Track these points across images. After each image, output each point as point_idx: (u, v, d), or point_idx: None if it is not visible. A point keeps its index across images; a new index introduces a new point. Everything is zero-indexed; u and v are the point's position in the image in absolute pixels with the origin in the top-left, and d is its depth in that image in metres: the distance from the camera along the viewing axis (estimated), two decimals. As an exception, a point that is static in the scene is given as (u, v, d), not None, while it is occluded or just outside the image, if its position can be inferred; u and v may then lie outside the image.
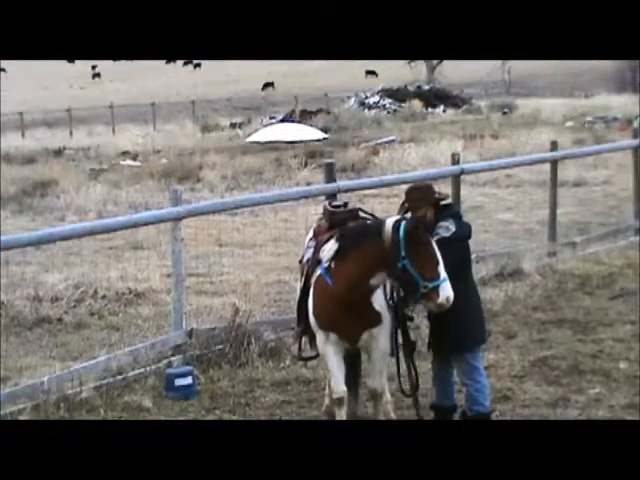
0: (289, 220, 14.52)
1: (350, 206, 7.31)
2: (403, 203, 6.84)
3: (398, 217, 6.47)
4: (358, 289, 6.48)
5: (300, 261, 7.29)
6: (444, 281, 6.22)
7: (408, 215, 6.61)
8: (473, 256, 7.36)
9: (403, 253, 6.24)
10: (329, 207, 7.21)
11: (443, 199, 6.97)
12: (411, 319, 6.92)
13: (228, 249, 13.44)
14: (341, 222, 6.92)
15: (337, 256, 6.59)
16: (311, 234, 7.22)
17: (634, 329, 9.33)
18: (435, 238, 6.53)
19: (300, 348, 7.25)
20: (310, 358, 7.43)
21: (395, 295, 6.69)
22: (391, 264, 6.32)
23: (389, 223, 6.37)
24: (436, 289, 6.22)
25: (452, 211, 6.92)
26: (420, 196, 6.80)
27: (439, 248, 6.41)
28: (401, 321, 6.79)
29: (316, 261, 6.81)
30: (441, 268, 6.24)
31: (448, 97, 47.43)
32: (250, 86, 67.65)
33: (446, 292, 6.22)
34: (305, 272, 7.00)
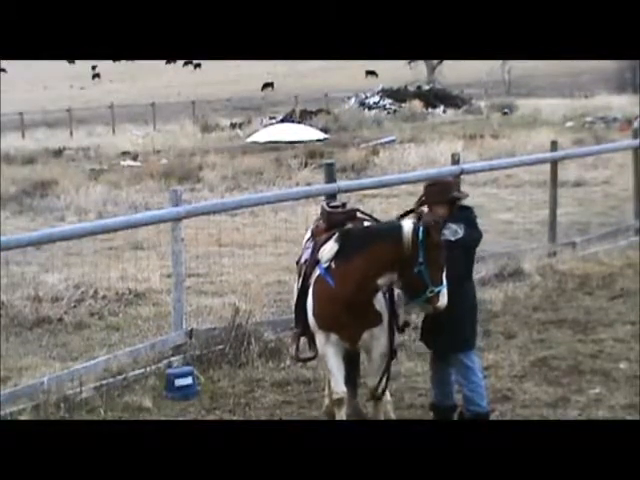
0: (289, 220, 14.52)
1: (348, 206, 7.31)
2: (420, 197, 6.84)
3: (413, 220, 6.44)
4: (364, 289, 6.47)
5: (297, 262, 7.28)
6: (444, 287, 6.35)
7: (423, 210, 6.60)
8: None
9: (421, 259, 6.29)
10: (327, 208, 7.20)
11: (460, 198, 6.90)
12: (407, 324, 6.98)
13: (228, 249, 13.43)
14: (339, 223, 6.91)
15: (339, 256, 6.58)
16: (309, 235, 7.23)
17: (634, 329, 9.33)
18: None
19: (298, 349, 7.24)
20: (308, 359, 7.39)
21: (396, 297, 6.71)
22: (407, 267, 6.33)
23: (408, 226, 6.36)
24: (437, 294, 6.34)
25: (467, 215, 6.81)
26: (437, 192, 6.78)
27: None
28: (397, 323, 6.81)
29: (314, 261, 6.80)
30: (444, 273, 6.35)
31: (448, 97, 47.43)
32: (250, 86, 67.65)
33: (444, 298, 6.36)
34: (303, 273, 6.99)
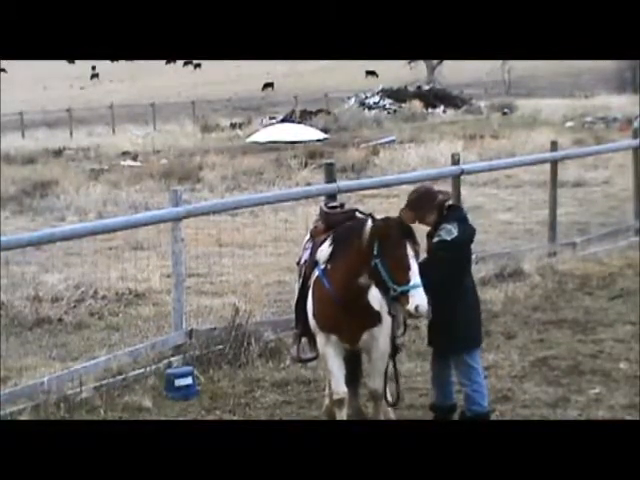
0: (289, 220, 14.53)
1: (346, 207, 7.31)
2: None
3: (381, 217, 6.42)
4: (351, 289, 6.47)
5: (298, 262, 7.30)
6: (414, 288, 6.09)
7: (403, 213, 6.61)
8: (473, 256, 7.35)
9: (375, 252, 6.23)
10: (325, 208, 7.21)
11: (446, 200, 6.92)
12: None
13: (228, 249, 13.43)
14: (337, 223, 6.91)
15: (331, 258, 6.60)
16: (308, 235, 7.24)
17: (634, 329, 9.33)
18: (436, 240, 6.57)
19: (298, 350, 7.24)
20: (309, 360, 7.41)
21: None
22: (367, 261, 6.30)
23: (369, 223, 6.36)
24: (405, 294, 6.12)
25: (458, 214, 6.87)
26: (422, 201, 6.77)
27: (439, 250, 6.50)
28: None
29: (313, 262, 6.82)
30: (413, 274, 6.11)
31: (448, 97, 47.41)
32: (250, 86, 67.65)
33: (416, 300, 6.07)
34: (303, 273, 7.00)
